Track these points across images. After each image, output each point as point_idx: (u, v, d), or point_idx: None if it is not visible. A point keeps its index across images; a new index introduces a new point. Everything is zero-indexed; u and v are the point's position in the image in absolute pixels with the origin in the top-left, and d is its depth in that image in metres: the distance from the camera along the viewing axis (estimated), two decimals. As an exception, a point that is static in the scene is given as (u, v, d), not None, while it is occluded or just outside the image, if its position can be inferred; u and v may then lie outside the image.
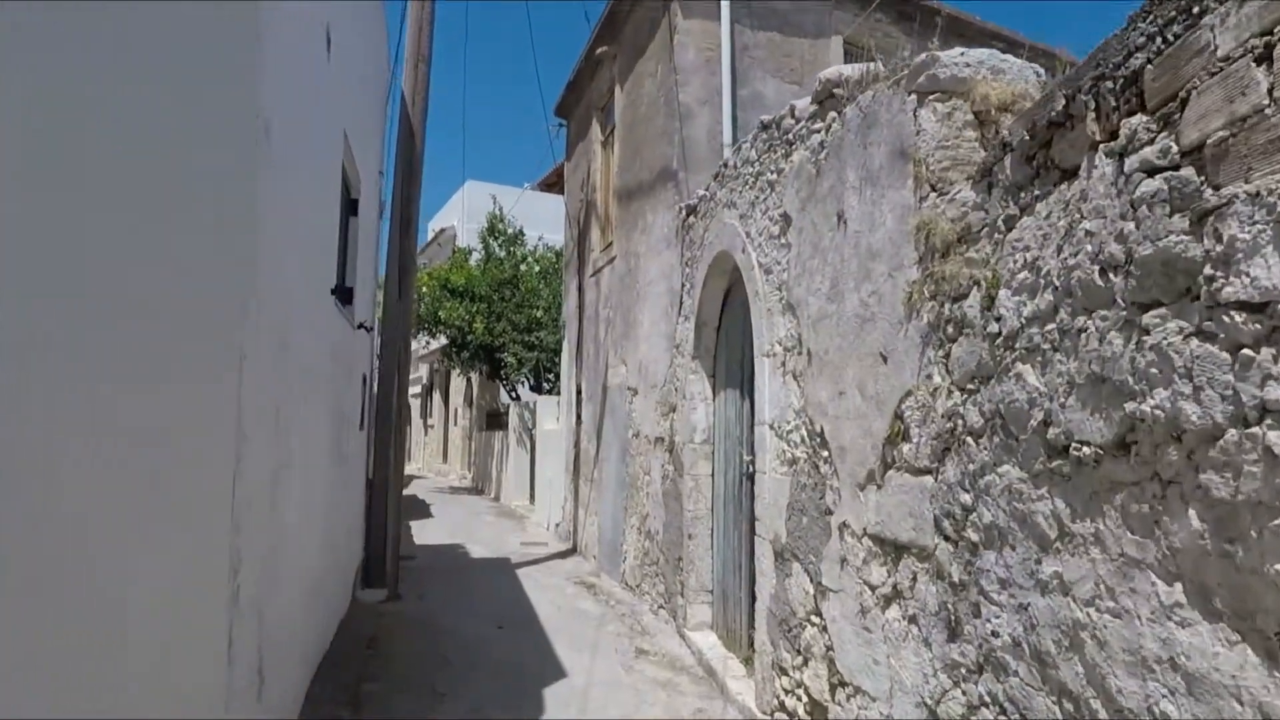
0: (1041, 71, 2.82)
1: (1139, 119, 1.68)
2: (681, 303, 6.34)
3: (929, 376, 2.63)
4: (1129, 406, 1.70)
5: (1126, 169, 1.71)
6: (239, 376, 2.67)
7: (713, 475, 5.84)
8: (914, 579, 2.68)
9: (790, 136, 4.08)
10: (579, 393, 10.19)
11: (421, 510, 14.05)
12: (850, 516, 3.18)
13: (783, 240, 4.09)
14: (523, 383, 15.78)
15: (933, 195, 2.70)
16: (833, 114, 3.62)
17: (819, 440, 3.52)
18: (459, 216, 21.71)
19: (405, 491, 18.09)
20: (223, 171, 2.58)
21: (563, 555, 9.57)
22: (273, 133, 3.07)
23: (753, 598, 4.81)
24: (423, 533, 11.28)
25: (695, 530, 5.79)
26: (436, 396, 24.57)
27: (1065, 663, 1.93)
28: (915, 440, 2.70)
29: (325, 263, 4.50)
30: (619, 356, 8.26)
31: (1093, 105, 1.84)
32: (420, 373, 26.82)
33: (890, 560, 2.86)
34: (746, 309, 5.30)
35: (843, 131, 3.48)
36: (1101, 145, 1.82)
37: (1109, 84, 1.77)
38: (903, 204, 2.88)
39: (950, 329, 2.51)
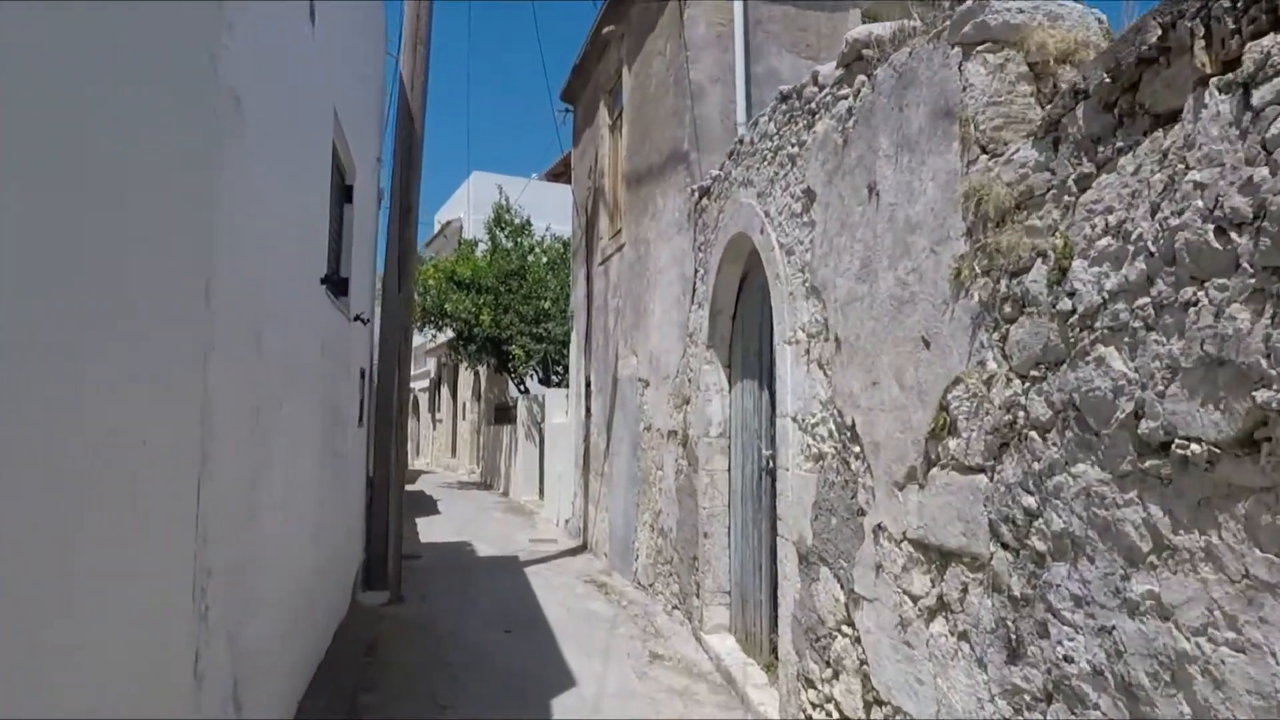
0: (1104, 18, 2.49)
1: (1272, 40, 1.36)
2: (694, 289, 6.03)
3: (981, 363, 2.31)
4: (1259, 395, 1.39)
5: (1255, 103, 1.39)
6: (204, 371, 2.39)
7: (729, 470, 5.53)
8: (964, 590, 2.37)
9: (813, 105, 3.75)
10: (588, 385, 9.91)
11: (428, 507, 13.83)
12: (887, 518, 2.87)
13: (805, 218, 3.77)
14: (531, 376, 15.51)
15: (983, 158, 2.38)
16: (861, 78, 3.29)
17: (849, 434, 3.20)
18: (465, 208, 21.42)
19: (412, 487, 17.90)
20: (185, 146, 2.29)
21: (572, 553, 9.30)
22: (245, 105, 2.77)
23: (774, 601, 4.52)
24: (429, 530, 11.04)
25: (711, 528, 5.49)
26: (444, 391, 24.36)
27: (1166, 700, 1.63)
28: (965, 434, 2.39)
29: (313, 250, 4.22)
30: (629, 347, 7.96)
31: (1201, 31, 1.52)
32: (428, 367, 26.63)
33: (935, 568, 2.55)
34: (765, 294, 4.98)
35: (873, 96, 3.15)
36: (1214, 79, 1.50)
37: (1225, 2, 1.45)
38: (947, 170, 2.56)
39: (1008, 308, 2.20)
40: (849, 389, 3.22)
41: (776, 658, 4.42)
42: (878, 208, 3.03)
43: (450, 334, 16.31)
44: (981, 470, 2.30)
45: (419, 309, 15.12)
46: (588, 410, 9.86)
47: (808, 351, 3.68)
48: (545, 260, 15.38)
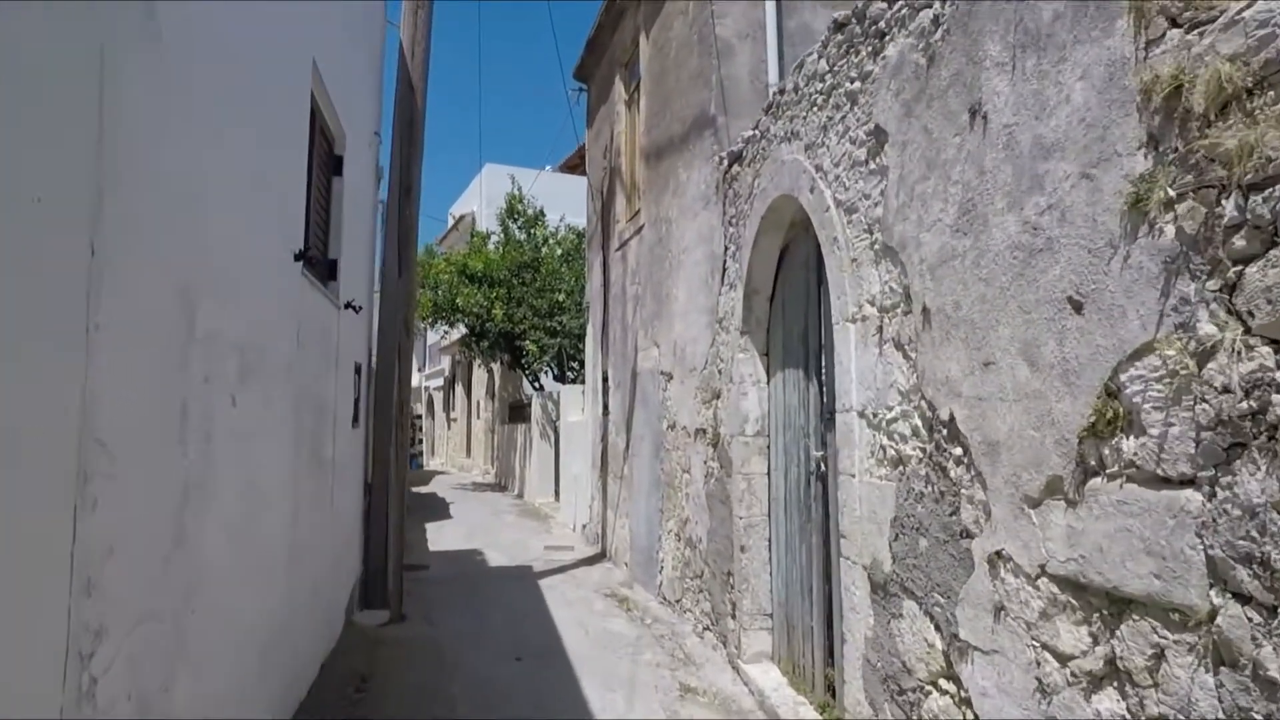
0: None
1: None
2: (725, 269, 5.32)
3: (1185, 325, 1.60)
4: None
5: None
6: (84, 357, 1.72)
7: (769, 474, 4.82)
8: (1158, 656, 1.66)
9: (882, 25, 3.03)
10: (605, 380, 9.22)
11: (440, 510, 13.21)
12: (1011, 545, 2.16)
13: (873, 164, 3.05)
14: (546, 372, 14.85)
15: (1175, 32, 1.66)
16: (951, -24, 2.57)
17: (945, 432, 2.49)
18: (478, 202, 20.82)
19: (425, 489, 17.31)
20: (66, 49, 1.64)
21: (590, 561, 8.62)
22: (162, 18, 2.11)
23: (829, 628, 3.81)
24: (439, 536, 10.41)
25: (749, 541, 4.79)
26: (459, 389, 23.79)
27: None
28: (1155, 431, 1.67)
29: (285, 221, 3.56)
30: (650, 338, 7.26)
31: None
32: (443, 365, 26.10)
33: (1099, 619, 1.84)
34: (809, 268, 4.27)
35: (971, -5, 2.43)
36: None
37: None
38: (1106, 60, 1.84)
39: (1240, 241, 1.48)
40: (944, 374, 2.50)
41: (833, 697, 3.71)
42: (984, 134, 2.31)
43: (463, 330, 15.69)
44: (1189, 483, 1.58)
45: (430, 304, 14.50)
46: (605, 407, 9.18)
47: (879, 330, 2.97)
48: (560, 252, 14.72)
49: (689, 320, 6.13)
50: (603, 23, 9.08)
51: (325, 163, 4.83)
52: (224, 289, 2.70)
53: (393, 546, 6.35)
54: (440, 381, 26.87)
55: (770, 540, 4.75)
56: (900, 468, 2.78)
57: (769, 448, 4.83)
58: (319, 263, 4.72)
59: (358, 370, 5.96)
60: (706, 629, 5.45)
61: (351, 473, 5.84)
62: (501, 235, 15.03)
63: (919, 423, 2.66)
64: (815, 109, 3.69)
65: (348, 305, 5.22)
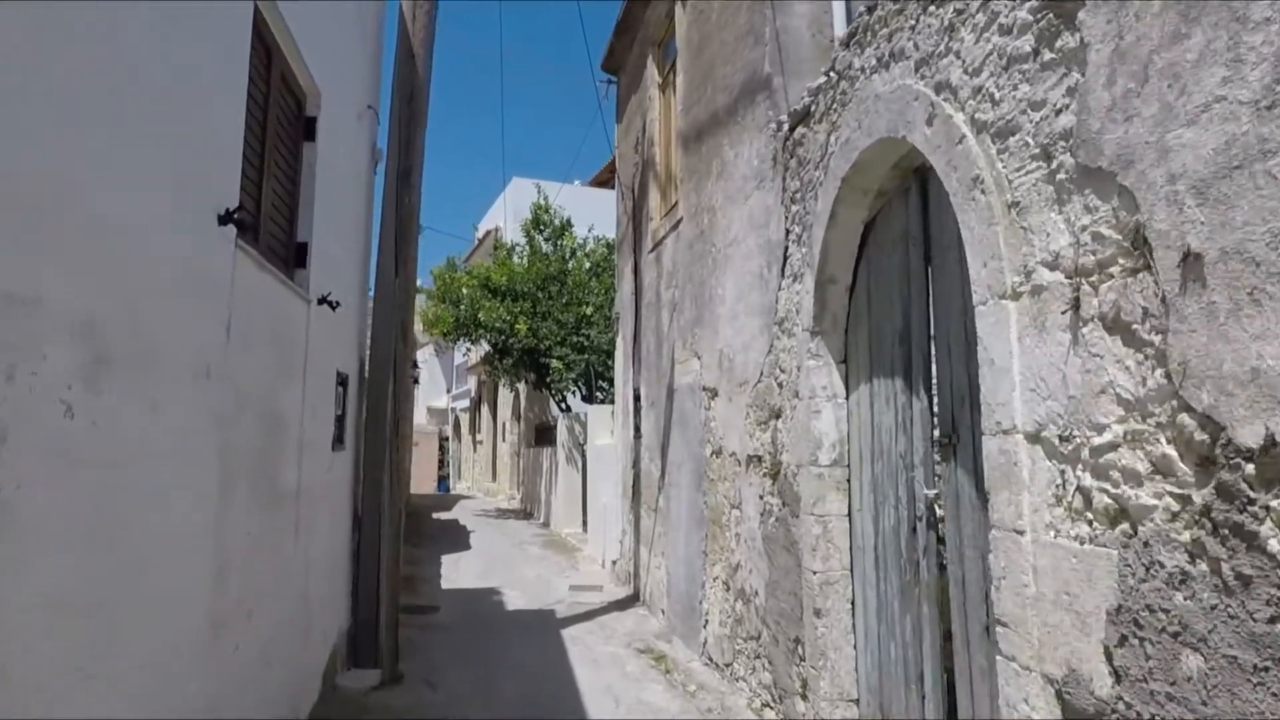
0: None
1: None
2: (786, 257, 4.27)
3: None
4: None
5: None
6: None
7: (850, 515, 3.73)
8: None
9: None
10: (637, 399, 8.19)
11: (460, 539, 12.20)
12: None
13: (1049, 53, 1.99)
14: (573, 392, 13.85)
15: None
16: None
17: (1249, 470, 1.40)
18: (505, 217, 20.04)
19: (447, 514, 16.32)
20: None
21: (621, 606, 7.53)
22: None
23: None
24: (455, 571, 9.39)
25: (826, 603, 3.68)
26: (484, 410, 22.92)
27: None
28: None
29: (198, 168, 2.60)
30: (689, 348, 6.22)
31: None
32: (469, 385, 25.29)
33: None
34: (911, 242, 3.20)
35: None
36: None
37: None
38: None
39: None
40: (1240, 365, 1.41)
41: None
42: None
43: (486, 347, 14.79)
44: None
45: (451, 320, 13.62)
46: (637, 429, 8.13)
47: (1072, 304, 1.89)
48: (588, 265, 13.76)
49: (738, 324, 5.08)
50: (631, 4, 8.17)
51: (288, 120, 3.89)
52: (56, 238, 1.73)
53: (386, 592, 5.34)
54: (467, 403, 26.07)
55: (855, 603, 3.63)
56: (1128, 526, 1.68)
57: (850, 481, 3.74)
58: (279, 244, 3.77)
59: (343, 381, 5.00)
60: (766, 706, 4.33)
61: (332, 504, 4.85)
62: (526, 247, 14.15)
63: (1173, 451, 1.56)
64: (931, 7, 2.64)
65: (322, 300, 4.26)
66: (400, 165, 5.60)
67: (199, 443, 2.60)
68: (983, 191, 2.25)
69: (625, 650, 5.93)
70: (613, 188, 17.52)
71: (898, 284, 3.32)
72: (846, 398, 3.81)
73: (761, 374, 4.67)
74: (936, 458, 2.97)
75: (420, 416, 30.93)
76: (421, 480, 26.65)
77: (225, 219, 2.75)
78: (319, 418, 4.37)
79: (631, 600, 7.69)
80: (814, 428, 3.82)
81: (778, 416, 4.39)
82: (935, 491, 2.97)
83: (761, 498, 4.56)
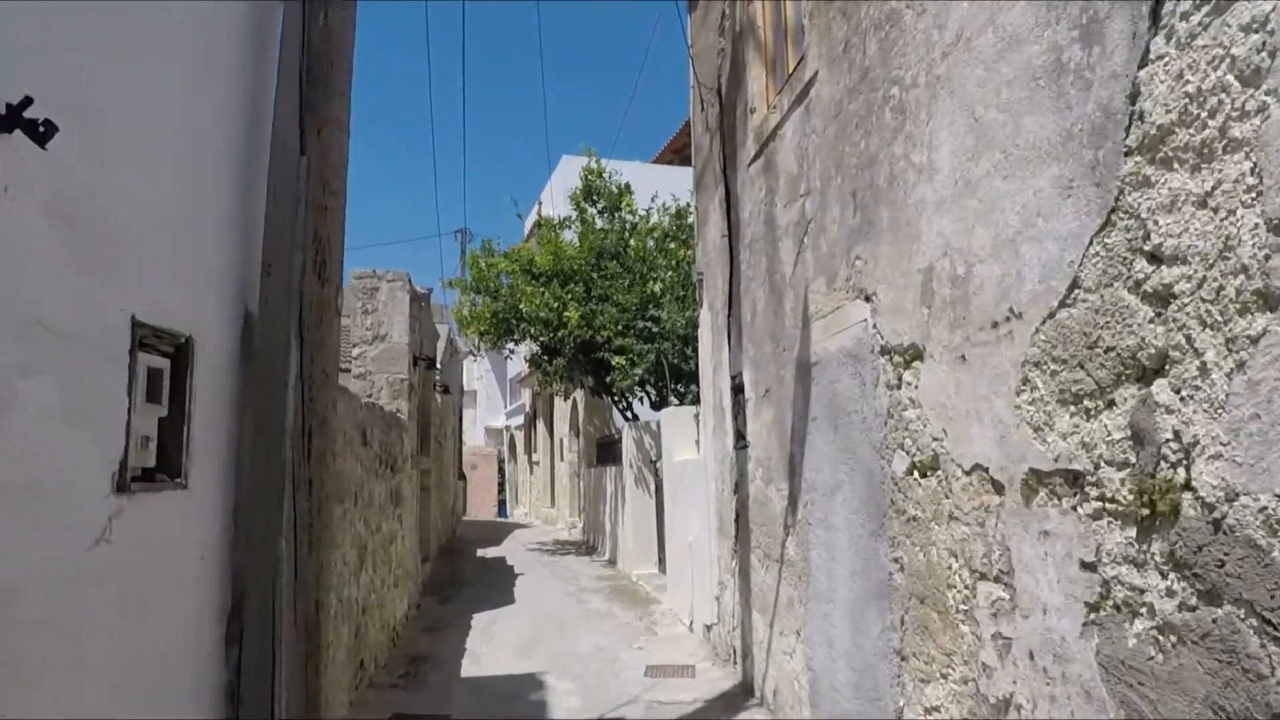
0: None
1: None
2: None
3: None
4: None
5: None
6: None
7: None
8: None
9: None
10: (737, 391, 5.51)
11: (502, 586, 9.61)
12: None
13: None
14: (640, 396, 11.21)
15: None
16: None
17: None
18: (553, 201, 17.65)
19: (494, 550, 13.70)
20: None
21: (730, 706, 4.80)
22: None
23: None
24: (487, 640, 6.81)
25: None
26: (540, 426, 20.47)
27: None
28: None
29: None
30: (847, 283, 3.53)
31: None
32: (523, 399, 22.94)
33: None
34: None
35: None
36: None
37: None
38: None
39: None
40: None
41: None
42: None
43: (531, 347, 12.29)
44: None
45: (489, 315, 11.14)
46: (739, 436, 5.45)
47: None
48: (652, 242, 11.11)
49: (989, 197, 2.37)
50: None
51: None
52: None
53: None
54: (521, 419, 23.71)
55: None
56: None
57: None
58: None
59: (174, 352, 2.43)
60: None
61: (132, 612, 2.28)
62: (577, 222, 11.64)
63: None
64: None
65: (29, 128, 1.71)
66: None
67: None
68: None
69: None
70: (680, 164, 14.92)
71: None
72: None
73: (1076, 284, 1.95)
74: None
75: (478, 438, 28.77)
76: (480, 505, 24.34)
77: None
78: (71, 428, 1.82)
79: (743, 697, 4.97)
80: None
81: (1158, 374, 1.66)
82: None
83: (1095, 567, 1.83)
